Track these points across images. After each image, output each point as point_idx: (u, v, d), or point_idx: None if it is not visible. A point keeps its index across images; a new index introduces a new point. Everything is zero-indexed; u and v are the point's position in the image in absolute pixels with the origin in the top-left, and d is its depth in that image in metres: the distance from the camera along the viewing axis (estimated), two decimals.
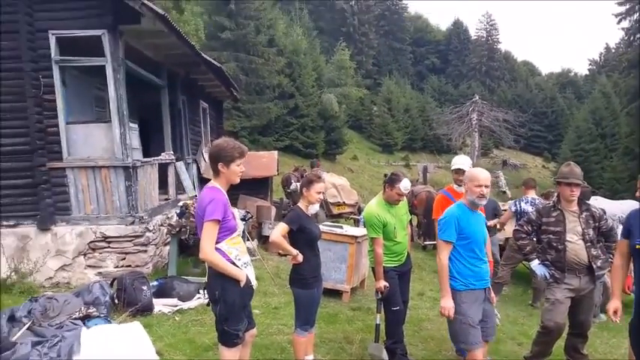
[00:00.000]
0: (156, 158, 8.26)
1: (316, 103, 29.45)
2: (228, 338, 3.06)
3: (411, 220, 8.23)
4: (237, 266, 3.03)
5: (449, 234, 3.53)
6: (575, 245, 4.03)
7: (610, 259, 4.11)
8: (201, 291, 5.95)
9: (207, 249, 2.93)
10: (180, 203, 7.31)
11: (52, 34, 6.55)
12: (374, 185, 25.70)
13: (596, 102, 43.49)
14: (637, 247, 3.19)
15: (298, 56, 28.58)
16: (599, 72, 62.79)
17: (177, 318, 5.23)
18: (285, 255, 8.52)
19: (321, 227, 5.16)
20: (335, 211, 11.73)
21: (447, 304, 3.46)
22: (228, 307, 3.01)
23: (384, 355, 4.05)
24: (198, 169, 11.24)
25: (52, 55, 6.58)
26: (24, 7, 6.42)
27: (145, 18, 6.42)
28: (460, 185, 4.62)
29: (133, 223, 6.81)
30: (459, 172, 4.70)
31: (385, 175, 4.54)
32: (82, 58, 6.80)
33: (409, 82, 55.56)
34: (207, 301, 5.61)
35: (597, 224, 4.10)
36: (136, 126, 7.70)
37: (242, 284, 3.02)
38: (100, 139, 6.94)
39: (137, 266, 6.71)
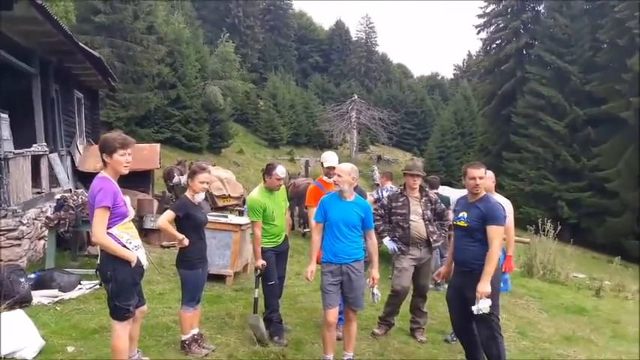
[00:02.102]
0: (29, 150, 7.92)
1: (200, 94, 28.93)
2: (120, 313, 3.37)
3: (289, 208, 8.85)
4: (128, 249, 3.36)
5: (316, 216, 4.29)
6: (417, 224, 5.00)
7: (443, 234, 5.17)
8: (82, 282, 6.02)
9: (99, 233, 3.22)
10: (58, 196, 7.17)
11: None
12: (260, 179, 25.81)
13: (457, 104, 48.51)
14: (454, 223, 4.18)
15: (180, 45, 27.80)
16: (461, 77, 69.67)
17: (58, 308, 5.26)
18: (169, 247, 8.78)
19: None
20: (220, 203, 11.98)
21: (308, 268, 4.30)
22: (119, 285, 3.32)
23: (261, 323, 4.60)
24: (73, 161, 10.80)
25: None
26: None
27: (18, 4, 6.19)
28: (330, 177, 5.31)
29: (5, 216, 6.53)
30: (330, 167, 5.36)
31: (262, 170, 5.10)
32: None
33: (294, 78, 56.71)
34: (89, 291, 5.77)
35: (433, 206, 5.13)
36: (7, 116, 7.34)
37: (133, 264, 3.34)
38: None
39: (10, 260, 6.47)
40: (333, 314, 4.06)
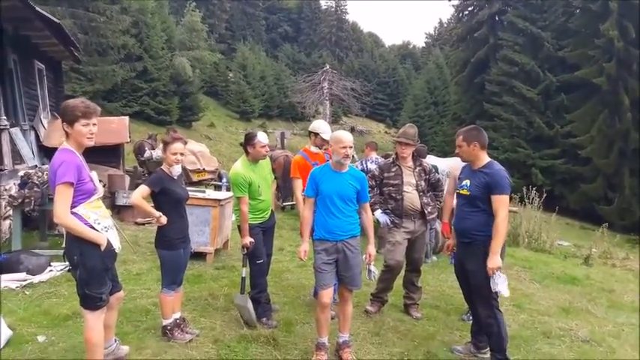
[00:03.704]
0: None
1: (167, 66, 28.03)
2: (91, 302, 3.02)
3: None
4: (97, 230, 2.98)
5: (307, 190, 3.93)
6: (411, 195, 4.71)
7: (438, 206, 4.91)
8: (53, 263, 5.62)
9: (61, 213, 2.83)
10: (21, 173, 6.67)
11: None
12: (233, 152, 25.64)
13: (430, 73, 48.34)
14: (457, 191, 3.93)
15: (145, 15, 26.69)
16: (433, 45, 69.29)
17: (27, 292, 4.90)
18: (144, 224, 8.37)
19: None
20: (195, 178, 11.61)
21: (301, 247, 3.89)
22: (89, 271, 2.96)
23: (249, 304, 4.29)
24: (37, 136, 10.16)
25: None
26: None
27: None
28: (319, 147, 4.97)
29: None
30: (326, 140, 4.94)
31: (241, 144, 4.69)
32: None
33: (263, 49, 55.44)
34: (60, 273, 5.37)
35: (427, 177, 4.85)
36: None
37: (102, 248, 2.97)
38: None
39: None
40: (327, 295, 3.77)
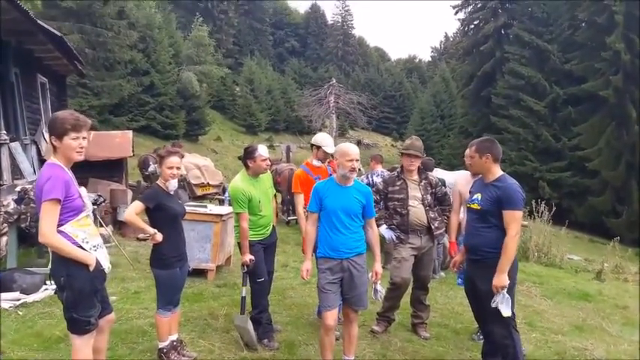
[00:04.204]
0: None
1: (174, 81, 28.17)
2: (79, 326, 2.84)
3: (275, 196, 8.34)
4: (85, 250, 2.82)
5: (310, 205, 3.75)
6: (417, 209, 4.53)
7: (445, 221, 4.72)
8: (48, 282, 5.46)
9: (47, 231, 2.66)
10: (18, 188, 6.55)
11: None
12: (238, 166, 25.47)
13: (436, 86, 48.34)
14: (467, 205, 3.77)
15: (152, 30, 26.90)
16: (439, 59, 69.40)
17: (20, 312, 4.74)
18: (145, 239, 8.20)
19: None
20: (199, 192, 11.48)
21: (304, 266, 3.72)
22: (76, 294, 2.79)
23: (249, 325, 4.10)
24: (39, 151, 10.09)
25: None
26: None
27: None
28: (321, 161, 4.81)
29: None
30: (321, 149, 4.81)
31: (239, 158, 4.53)
32: None
33: (270, 63, 55.76)
34: (54, 291, 5.21)
35: (433, 190, 4.66)
36: None
37: (91, 268, 2.80)
38: None
39: None
40: (332, 317, 3.57)
